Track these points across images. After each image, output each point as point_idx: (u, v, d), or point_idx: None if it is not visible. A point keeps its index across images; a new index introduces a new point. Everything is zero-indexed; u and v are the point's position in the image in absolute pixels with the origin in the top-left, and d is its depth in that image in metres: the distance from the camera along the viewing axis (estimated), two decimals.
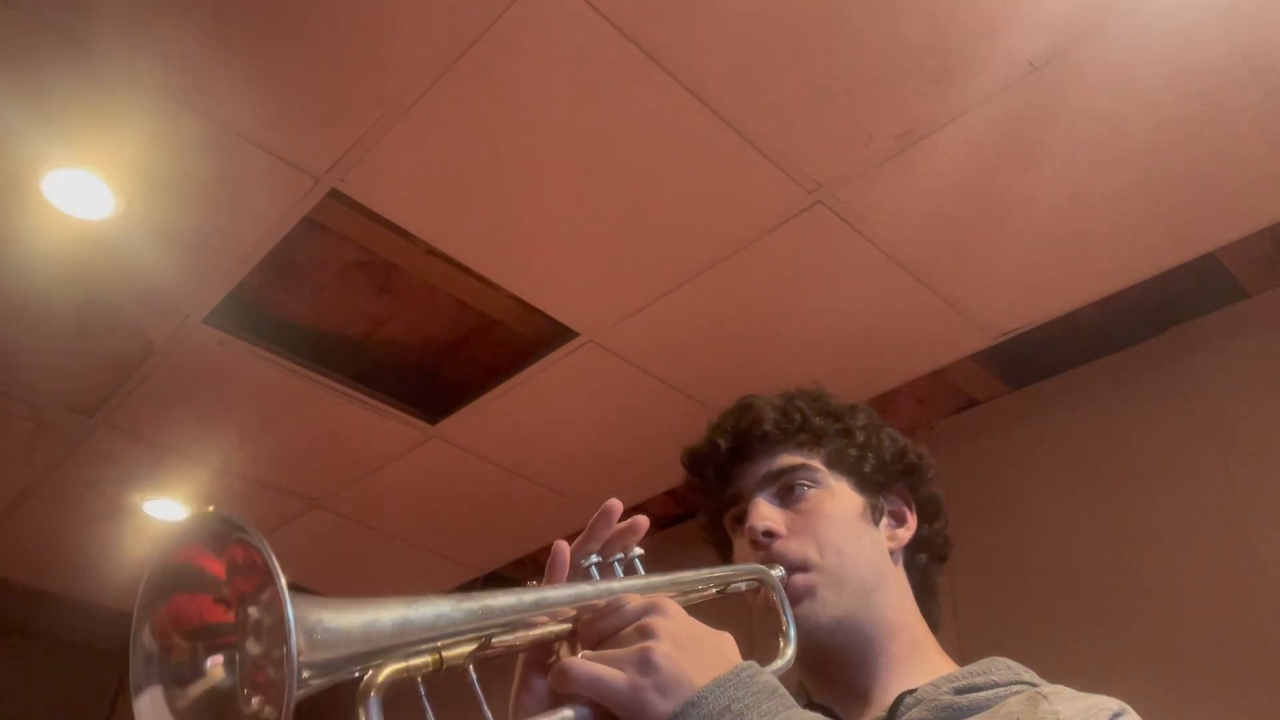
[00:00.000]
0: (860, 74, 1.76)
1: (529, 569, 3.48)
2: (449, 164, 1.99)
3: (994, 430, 2.58)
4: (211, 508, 0.53)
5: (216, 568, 0.53)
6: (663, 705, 0.64)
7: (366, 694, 0.55)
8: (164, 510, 3.23)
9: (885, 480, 0.96)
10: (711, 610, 0.85)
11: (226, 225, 2.15)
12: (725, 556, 0.99)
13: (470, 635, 0.62)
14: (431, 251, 2.22)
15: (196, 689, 0.53)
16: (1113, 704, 0.72)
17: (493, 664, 0.66)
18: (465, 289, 2.35)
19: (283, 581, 0.48)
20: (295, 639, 0.47)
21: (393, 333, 2.52)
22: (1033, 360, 2.48)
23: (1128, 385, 2.35)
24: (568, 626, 0.71)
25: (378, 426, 2.78)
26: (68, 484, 3.11)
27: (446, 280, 2.32)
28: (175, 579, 0.54)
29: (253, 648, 0.52)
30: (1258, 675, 1.89)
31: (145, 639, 0.53)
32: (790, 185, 1.99)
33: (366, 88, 1.83)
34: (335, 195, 2.06)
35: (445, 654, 0.61)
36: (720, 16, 1.67)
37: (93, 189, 2.05)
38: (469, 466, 2.94)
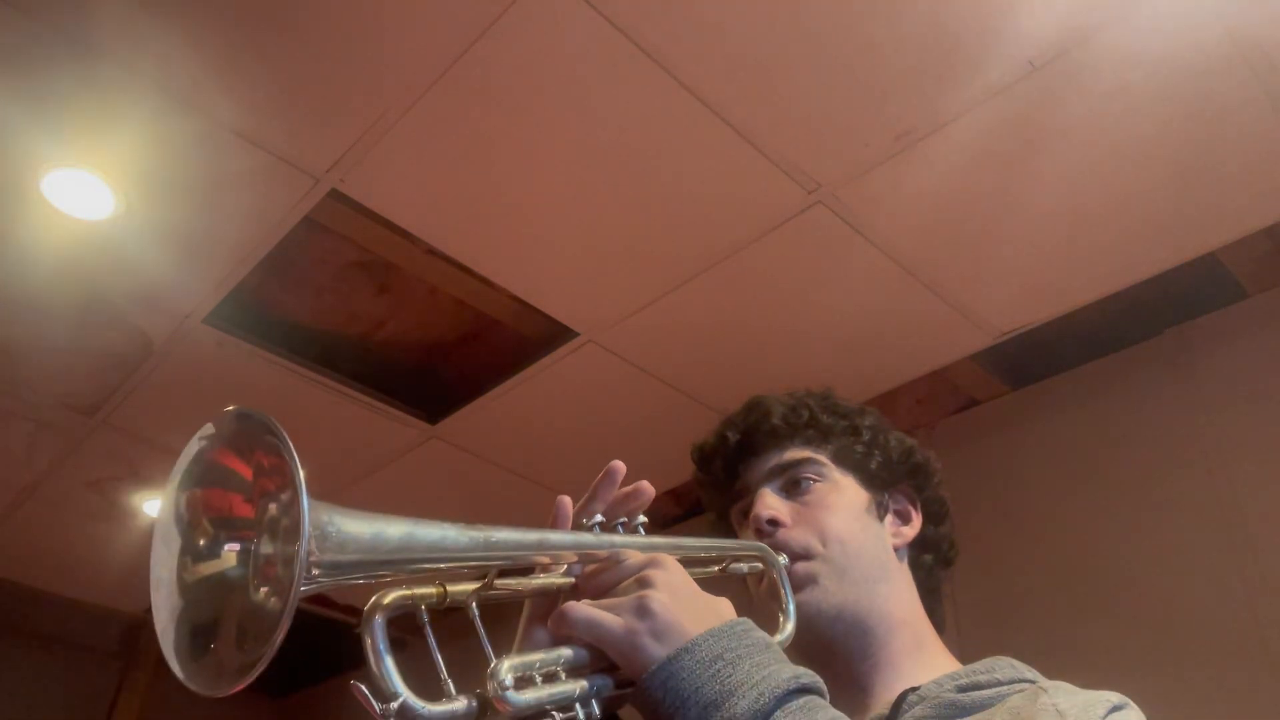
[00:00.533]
0: (860, 74, 1.76)
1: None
2: (449, 164, 1.99)
3: (994, 430, 2.58)
4: (247, 410, 0.55)
5: (245, 470, 0.56)
6: (656, 649, 0.65)
7: (371, 617, 0.58)
8: None
9: (891, 478, 0.97)
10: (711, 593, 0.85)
11: (226, 225, 2.15)
12: None
13: (472, 563, 0.64)
14: (431, 251, 2.22)
15: (207, 568, 0.55)
16: (1113, 697, 0.72)
17: (496, 625, 0.67)
18: (465, 289, 2.35)
19: (301, 477, 0.50)
20: (308, 532, 0.50)
21: (393, 333, 2.52)
22: (1033, 360, 2.48)
23: (1128, 385, 2.35)
24: (570, 580, 0.73)
25: (378, 426, 2.78)
26: (68, 484, 3.11)
27: (446, 280, 2.32)
28: (211, 474, 0.56)
29: (268, 542, 0.54)
30: (1257, 674, 1.89)
31: (181, 508, 0.56)
32: (790, 185, 1.99)
33: (366, 88, 1.83)
34: (335, 195, 2.06)
35: (449, 588, 0.63)
36: (720, 17, 1.67)
37: (93, 189, 2.05)
38: (469, 466, 2.94)
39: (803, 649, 0.87)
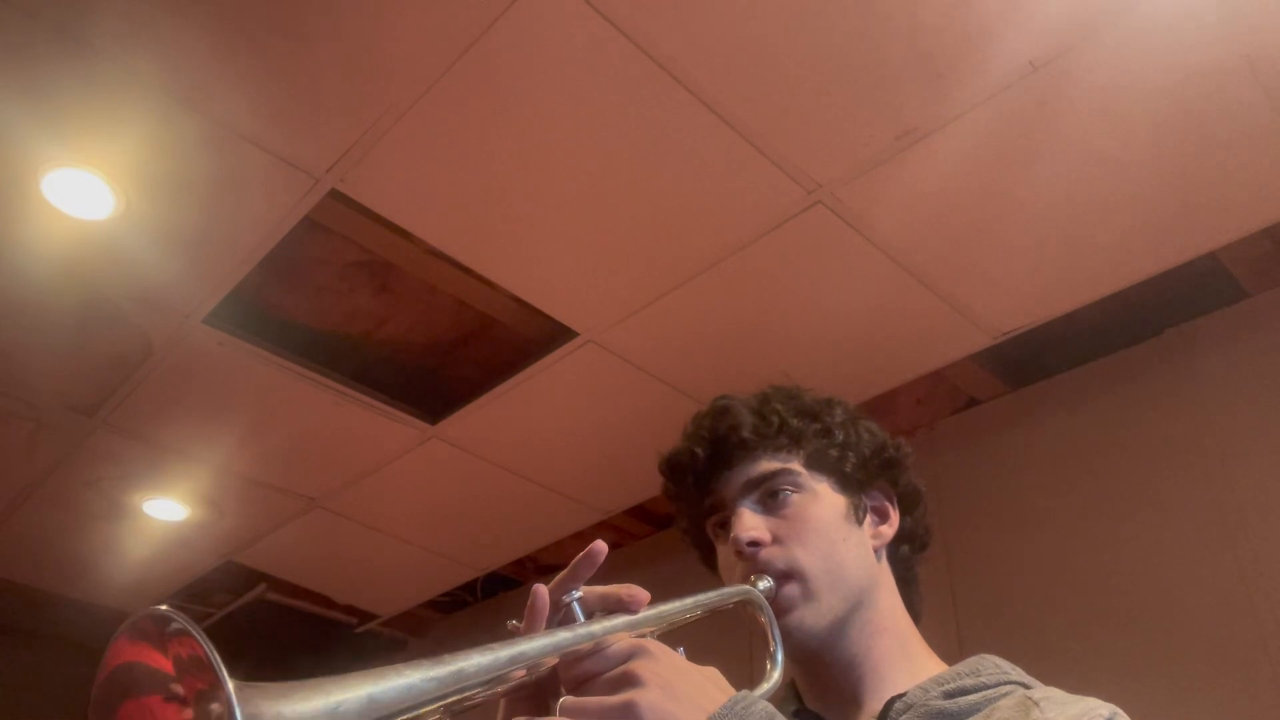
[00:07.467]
0: (860, 74, 1.76)
1: (529, 569, 3.48)
2: (449, 164, 1.99)
3: (994, 430, 2.58)
4: (155, 608, 0.50)
5: (163, 665, 0.50)
6: None
7: None
8: (164, 510, 3.23)
9: (866, 478, 0.95)
10: (708, 620, 0.85)
11: (226, 225, 2.15)
12: (707, 560, 0.98)
13: (445, 702, 0.60)
14: (431, 251, 2.22)
15: None
16: (1105, 708, 0.72)
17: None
18: (465, 289, 2.35)
19: (229, 681, 0.46)
20: None
21: (393, 333, 2.52)
22: (1033, 360, 2.48)
23: (1127, 385, 2.35)
24: (549, 668, 0.69)
25: (378, 426, 2.78)
26: (68, 484, 3.11)
27: (446, 280, 2.32)
28: (121, 685, 0.51)
29: None
30: (1256, 674, 1.89)
31: None
32: (790, 185, 1.99)
33: (366, 88, 1.83)
34: (335, 195, 2.06)
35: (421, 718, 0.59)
36: (720, 16, 1.67)
37: (93, 189, 2.04)
38: (469, 466, 2.94)
39: (792, 660, 0.87)
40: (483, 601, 3.75)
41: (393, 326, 2.49)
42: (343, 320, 2.47)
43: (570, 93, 1.83)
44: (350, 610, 3.89)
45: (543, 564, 3.40)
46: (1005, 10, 1.63)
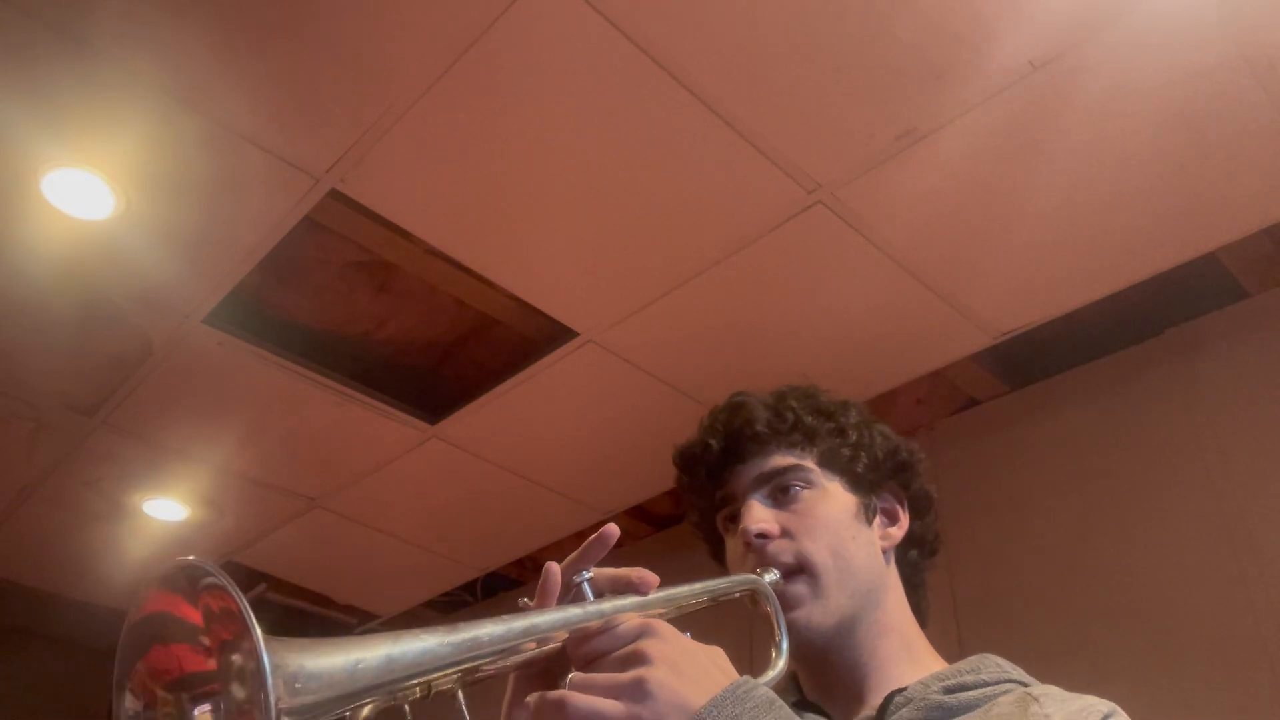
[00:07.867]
0: (860, 74, 1.76)
1: (529, 569, 3.49)
2: (449, 164, 1.99)
3: (994, 430, 2.58)
4: (185, 558, 0.52)
5: (193, 615, 0.52)
6: None
7: None
8: (164, 510, 3.23)
9: (878, 479, 0.95)
10: (710, 612, 0.85)
11: (226, 225, 2.15)
12: (717, 553, 0.99)
13: (462, 668, 0.62)
14: (431, 251, 2.22)
15: None
16: (1103, 706, 0.73)
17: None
18: (465, 289, 2.35)
19: (257, 631, 0.47)
20: (273, 689, 0.47)
21: (393, 333, 2.52)
22: (1033, 360, 2.48)
23: (1128, 385, 2.35)
24: (557, 646, 0.70)
25: (378, 426, 2.78)
26: (68, 484, 3.11)
27: (446, 280, 2.32)
28: (150, 632, 0.53)
29: (237, 692, 0.51)
30: (1257, 675, 1.89)
31: (128, 703, 0.53)
32: (790, 185, 1.99)
33: (366, 88, 1.84)
34: (335, 195, 2.06)
35: (434, 683, 0.60)
36: (720, 15, 1.68)
37: (93, 189, 2.05)
38: (469, 466, 2.94)
39: (795, 655, 0.87)
40: (483, 601, 3.75)
41: (393, 326, 2.49)
42: (343, 320, 2.47)
43: (570, 93, 1.83)
44: (350, 610, 3.89)
45: (542, 564, 3.39)
46: (1005, 10, 1.63)
